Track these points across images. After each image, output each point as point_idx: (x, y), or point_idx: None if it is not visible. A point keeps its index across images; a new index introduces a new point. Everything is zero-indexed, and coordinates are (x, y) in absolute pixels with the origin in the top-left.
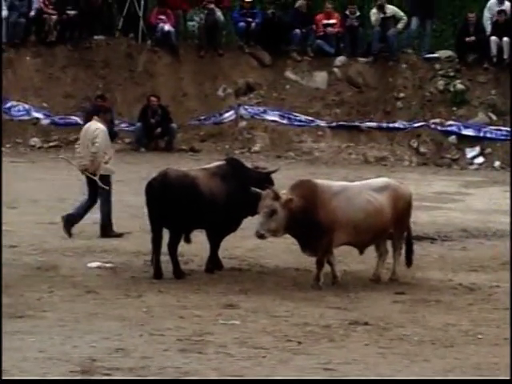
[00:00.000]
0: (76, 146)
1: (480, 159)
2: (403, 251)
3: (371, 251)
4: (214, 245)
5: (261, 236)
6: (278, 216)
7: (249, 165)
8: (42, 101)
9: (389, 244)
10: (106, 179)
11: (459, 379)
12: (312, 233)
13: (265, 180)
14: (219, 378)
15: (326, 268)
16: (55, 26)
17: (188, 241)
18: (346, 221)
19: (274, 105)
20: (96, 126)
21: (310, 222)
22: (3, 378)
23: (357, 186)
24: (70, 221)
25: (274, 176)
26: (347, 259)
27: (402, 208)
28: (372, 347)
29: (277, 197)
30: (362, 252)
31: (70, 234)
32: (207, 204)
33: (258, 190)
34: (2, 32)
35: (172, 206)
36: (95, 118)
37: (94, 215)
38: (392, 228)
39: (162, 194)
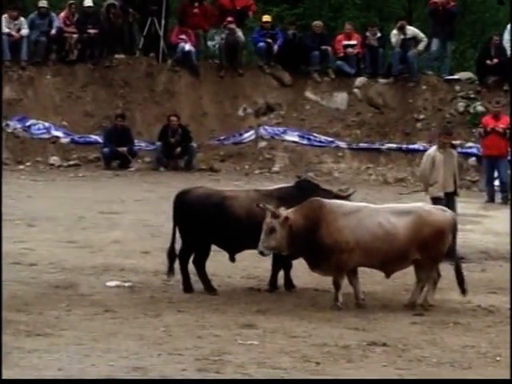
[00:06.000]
0: None
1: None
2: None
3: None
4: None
5: (261, 253)
6: (276, 234)
7: (328, 187)
8: (61, 119)
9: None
10: (435, 202)
11: (459, 379)
12: (316, 252)
13: None
14: None
15: (348, 289)
16: (76, 45)
17: (232, 260)
18: (355, 242)
19: (294, 125)
20: (429, 151)
21: (311, 242)
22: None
23: (373, 207)
24: None
25: None
26: (364, 280)
27: (430, 235)
28: (390, 368)
29: (275, 215)
30: (388, 276)
31: None
32: (239, 224)
33: (266, 207)
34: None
35: (186, 222)
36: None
37: (113, 232)
38: (417, 255)
39: (177, 210)
